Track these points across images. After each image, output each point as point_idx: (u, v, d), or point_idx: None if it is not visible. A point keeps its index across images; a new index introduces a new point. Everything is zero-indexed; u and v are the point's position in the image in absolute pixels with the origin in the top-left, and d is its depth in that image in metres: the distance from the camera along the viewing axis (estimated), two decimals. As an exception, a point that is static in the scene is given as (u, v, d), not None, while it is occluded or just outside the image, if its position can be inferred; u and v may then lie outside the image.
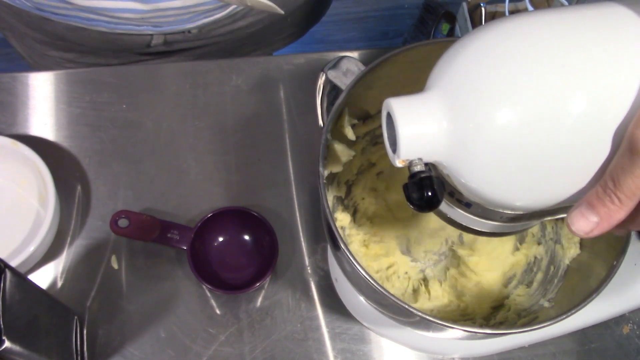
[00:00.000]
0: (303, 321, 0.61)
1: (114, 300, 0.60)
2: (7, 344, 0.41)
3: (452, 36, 1.47)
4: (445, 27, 1.47)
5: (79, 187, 0.64)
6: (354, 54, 0.70)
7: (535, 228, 0.58)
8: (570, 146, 0.31)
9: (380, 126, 0.49)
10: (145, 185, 0.65)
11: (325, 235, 0.50)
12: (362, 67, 0.51)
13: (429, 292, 0.58)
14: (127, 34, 0.69)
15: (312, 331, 0.61)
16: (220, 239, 0.63)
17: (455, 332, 0.45)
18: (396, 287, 0.58)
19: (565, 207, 0.35)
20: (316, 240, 0.64)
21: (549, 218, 0.39)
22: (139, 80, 0.69)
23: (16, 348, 0.42)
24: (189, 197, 0.65)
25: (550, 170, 0.32)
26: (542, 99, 0.30)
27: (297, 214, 0.65)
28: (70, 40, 0.72)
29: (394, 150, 0.34)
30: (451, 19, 1.47)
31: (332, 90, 0.52)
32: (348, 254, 0.43)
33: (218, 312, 0.61)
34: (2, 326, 0.40)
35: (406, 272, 0.59)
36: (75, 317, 0.57)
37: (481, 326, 0.54)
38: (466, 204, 0.38)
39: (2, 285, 0.41)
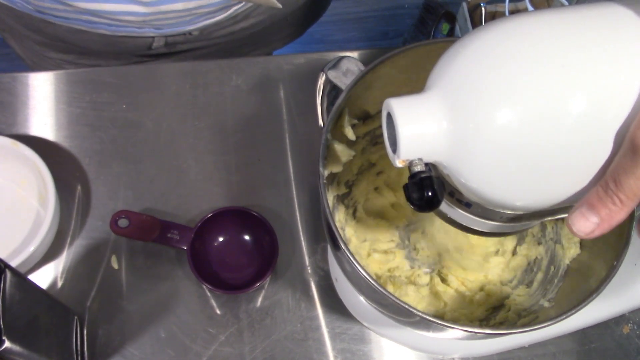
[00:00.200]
0: (303, 321, 0.61)
1: (114, 300, 0.60)
2: (7, 344, 0.41)
3: (452, 36, 1.47)
4: (445, 27, 1.47)
5: (79, 187, 0.64)
6: (354, 54, 0.70)
7: (535, 228, 0.58)
8: (571, 146, 0.31)
9: (380, 126, 0.49)
10: (145, 185, 0.65)
11: (325, 235, 0.50)
12: (362, 67, 0.51)
13: (430, 291, 0.58)
14: (128, 37, 0.69)
15: (312, 331, 0.61)
16: (220, 239, 0.63)
17: (455, 332, 0.45)
18: (396, 286, 0.58)
19: (565, 207, 0.35)
20: (316, 240, 0.64)
21: (549, 218, 0.39)
22: (139, 80, 0.69)
23: (16, 348, 0.42)
24: (189, 197, 0.65)
25: (551, 170, 0.32)
26: (542, 99, 0.30)
27: (297, 214, 0.65)
28: (70, 43, 0.72)
29: (394, 150, 0.34)
30: (451, 19, 1.47)
31: (332, 90, 0.52)
32: (348, 254, 0.43)
33: (218, 312, 0.61)
34: (2, 326, 0.40)
35: (406, 272, 0.59)
36: (75, 317, 0.57)
37: (481, 326, 0.54)
38: (466, 204, 0.38)
39: (2, 285, 0.41)
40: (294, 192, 0.66)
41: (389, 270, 0.59)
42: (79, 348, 0.57)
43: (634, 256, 0.51)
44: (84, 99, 0.68)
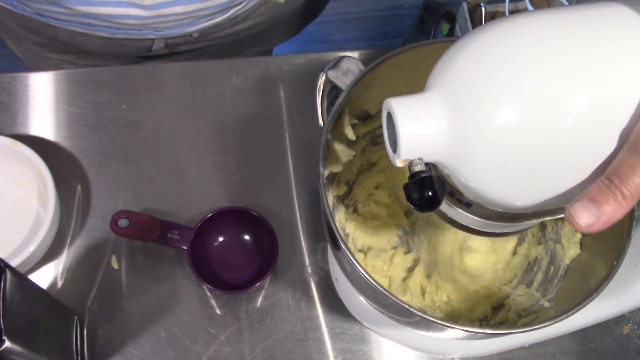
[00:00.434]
0: (303, 321, 0.61)
1: (114, 300, 0.60)
2: (7, 344, 0.41)
3: (452, 36, 1.47)
4: (445, 27, 1.47)
5: (79, 187, 0.64)
6: (354, 54, 0.70)
7: (535, 228, 0.58)
8: (571, 146, 0.31)
9: (380, 126, 0.49)
10: (145, 185, 0.65)
11: (325, 235, 0.50)
12: (362, 67, 0.51)
13: (432, 290, 0.58)
14: (128, 39, 0.69)
15: (312, 331, 0.61)
16: (220, 239, 0.63)
17: (455, 332, 0.45)
18: (396, 286, 0.58)
19: (565, 207, 0.35)
20: (316, 240, 0.64)
21: (549, 218, 0.39)
22: (139, 80, 0.69)
23: (16, 348, 0.42)
24: (189, 197, 0.65)
25: (551, 170, 0.32)
26: (542, 99, 0.30)
27: (297, 214, 0.65)
28: (70, 45, 0.72)
29: (394, 150, 0.34)
30: (451, 19, 1.47)
31: (332, 90, 0.52)
32: (348, 253, 0.43)
33: (218, 312, 0.61)
34: (2, 326, 0.40)
35: (406, 271, 0.59)
36: (75, 317, 0.57)
37: (481, 326, 0.54)
38: (466, 204, 0.38)
39: (2, 285, 0.41)
40: (294, 192, 0.66)
41: (389, 270, 0.59)
42: (79, 348, 0.57)
43: (634, 256, 0.51)
44: (84, 99, 0.68)
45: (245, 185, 0.66)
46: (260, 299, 0.62)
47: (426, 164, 0.34)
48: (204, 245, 0.62)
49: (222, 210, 0.61)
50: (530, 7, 1.09)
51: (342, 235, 0.53)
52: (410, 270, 0.60)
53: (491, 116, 0.31)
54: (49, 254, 0.61)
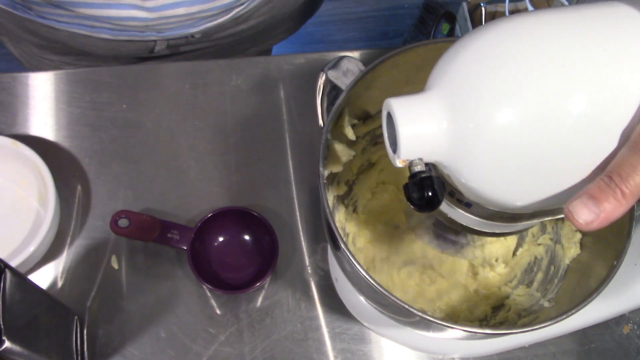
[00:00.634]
0: (303, 321, 0.61)
1: (114, 300, 0.60)
2: (7, 344, 0.41)
3: (452, 36, 1.47)
4: (445, 27, 1.47)
5: (79, 187, 0.64)
6: (354, 54, 0.70)
7: (535, 228, 0.58)
8: (571, 146, 0.31)
9: (380, 126, 0.49)
10: (145, 185, 0.65)
11: (325, 235, 0.50)
12: (362, 67, 0.51)
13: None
14: (130, 41, 0.69)
15: (312, 331, 0.61)
16: (220, 239, 0.63)
17: (455, 332, 0.45)
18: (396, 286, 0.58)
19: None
20: (316, 240, 0.64)
21: (549, 218, 0.39)
22: (139, 80, 0.69)
23: (16, 348, 0.42)
24: (189, 197, 0.65)
25: (551, 170, 0.32)
26: (542, 99, 0.30)
27: (297, 214, 0.65)
28: (72, 46, 0.72)
29: (394, 150, 0.34)
30: (451, 19, 1.47)
31: (332, 90, 0.52)
32: (348, 253, 0.43)
33: (218, 312, 0.61)
34: (2, 326, 0.40)
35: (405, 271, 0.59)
36: (75, 317, 0.57)
37: (481, 326, 0.54)
38: (466, 204, 0.38)
39: (2, 285, 0.41)
40: (294, 192, 0.66)
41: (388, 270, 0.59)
42: (79, 348, 0.57)
43: (634, 256, 0.51)
44: (84, 99, 0.68)
45: (245, 185, 0.66)
46: (260, 299, 0.62)
47: (426, 164, 0.34)
48: (204, 245, 0.62)
49: (222, 210, 0.61)
50: (530, 7, 1.09)
51: (342, 235, 0.53)
52: (409, 270, 0.60)
53: (491, 116, 0.31)
54: (49, 254, 0.61)
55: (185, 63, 0.72)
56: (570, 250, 0.53)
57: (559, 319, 0.43)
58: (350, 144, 0.54)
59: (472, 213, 0.39)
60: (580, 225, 0.31)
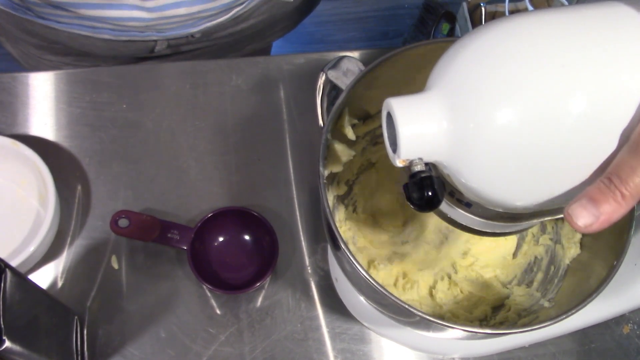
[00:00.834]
0: (303, 321, 0.61)
1: (114, 300, 0.60)
2: (7, 344, 0.41)
3: (452, 36, 1.47)
4: (445, 27, 1.47)
5: (79, 187, 0.64)
6: (354, 54, 0.70)
7: (535, 228, 0.58)
8: (571, 146, 0.31)
9: (380, 126, 0.49)
10: (145, 185, 0.65)
11: (325, 235, 0.50)
12: (362, 67, 0.51)
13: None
14: (131, 41, 0.69)
15: (312, 331, 0.61)
16: (220, 239, 0.63)
17: (455, 332, 0.45)
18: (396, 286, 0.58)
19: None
20: (316, 240, 0.64)
21: (549, 218, 0.39)
22: (139, 80, 0.69)
23: (16, 348, 0.42)
24: (189, 197, 0.65)
25: (551, 170, 0.32)
26: (542, 99, 0.30)
27: (297, 214, 0.65)
28: (72, 47, 0.72)
29: (394, 150, 0.34)
30: (451, 19, 1.47)
31: (332, 90, 0.52)
32: (348, 253, 0.43)
33: (218, 312, 0.61)
34: (2, 326, 0.40)
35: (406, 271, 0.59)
36: (75, 317, 0.57)
37: (481, 326, 0.54)
38: (466, 204, 0.38)
39: (2, 285, 0.41)
40: (294, 192, 0.66)
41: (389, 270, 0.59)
42: (79, 348, 0.57)
43: (634, 256, 0.51)
44: (84, 99, 0.68)
45: (245, 185, 0.66)
46: (260, 299, 0.62)
47: (426, 164, 0.34)
48: (204, 245, 0.62)
49: (222, 210, 0.61)
50: (530, 7, 1.09)
51: (342, 235, 0.53)
52: (409, 270, 0.60)
53: (491, 116, 0.31)
54: (49, 254, 0.61)
55: (185, 63, 0.72)
56: (570, 250, 0.53)
57: (559, 319, 0.43)
58: (350, 144, 0.54)
59: (472, 213, 0.39)
60: (580, 228, 0.31)
